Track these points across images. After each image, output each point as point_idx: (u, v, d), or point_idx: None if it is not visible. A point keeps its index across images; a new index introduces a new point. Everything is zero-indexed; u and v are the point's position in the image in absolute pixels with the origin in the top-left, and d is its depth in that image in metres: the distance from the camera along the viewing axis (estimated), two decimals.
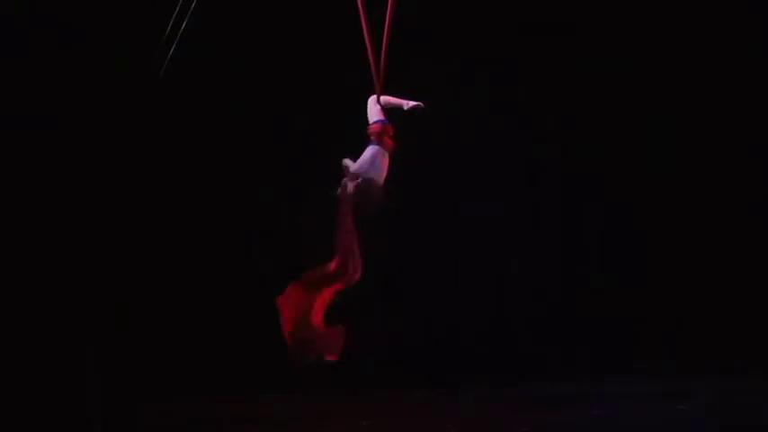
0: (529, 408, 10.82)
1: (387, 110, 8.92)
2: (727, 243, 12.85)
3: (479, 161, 12.96)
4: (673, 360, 12.43)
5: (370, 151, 8.89)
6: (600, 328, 12.65)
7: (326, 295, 8.19)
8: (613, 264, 13.01)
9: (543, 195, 13.10)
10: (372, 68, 8.78)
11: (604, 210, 13.06)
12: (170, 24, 9.89)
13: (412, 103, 8.92)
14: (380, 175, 8.71)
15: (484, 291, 12.94)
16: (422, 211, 12.58)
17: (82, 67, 11.79)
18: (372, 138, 8.79)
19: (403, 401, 11.09)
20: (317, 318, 8.18)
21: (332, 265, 8.21)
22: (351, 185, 8.52)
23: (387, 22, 8.66)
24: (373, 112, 8.94)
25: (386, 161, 8.73)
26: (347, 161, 8.76)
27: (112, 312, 11.82)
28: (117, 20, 11.74)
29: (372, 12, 8.72)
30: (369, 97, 8.90)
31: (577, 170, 13.09)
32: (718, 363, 12.18)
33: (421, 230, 12.72)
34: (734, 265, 12.80)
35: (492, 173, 12.97)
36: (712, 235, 12.86)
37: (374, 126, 8.83)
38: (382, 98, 8.90)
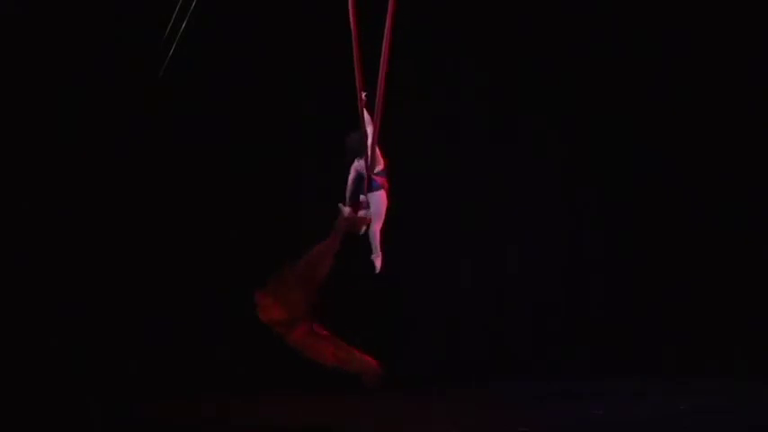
0: (528, 407, 10.82)
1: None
2: (727, 244, 12.85)
3: (479, 160, 12.99)
4: (673, 360, 12.46)
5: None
6: (600, 328, 12.66)
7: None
8: (614, 263, 13.01)
9: (544, 194, 13.10)
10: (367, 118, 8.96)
11: (606, 209, 13.06)
12: (170, 24, 9.92)
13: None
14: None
15: (485, 290, 12.95)
16: (422, 211, 12.59)
17: (82, 67, 11.81)
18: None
19: (403, 402, 11.07)
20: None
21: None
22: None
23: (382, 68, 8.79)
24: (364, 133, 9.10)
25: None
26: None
27: (112, 312, 11.84)
28: (117, 20, 11.76)
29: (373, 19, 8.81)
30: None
31: (578, 170, 13.10)
32: (718, 364, 12.21)
33: (421, 230, 12.72)
34: (734, 266, 12.80)
35: (492, 173, 12.98)
36: (714, 234, 12.86)
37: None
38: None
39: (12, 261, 11.56)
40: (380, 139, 9.11)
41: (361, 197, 9.08)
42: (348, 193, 9.20)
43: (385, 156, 9.23)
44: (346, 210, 9.02)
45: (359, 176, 9.18)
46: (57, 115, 11.77)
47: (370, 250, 9.24)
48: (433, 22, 12.48)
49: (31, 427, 9.81)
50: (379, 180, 9.06)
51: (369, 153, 8.97)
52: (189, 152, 12.24)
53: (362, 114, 9.00)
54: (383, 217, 9.06)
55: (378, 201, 9.03)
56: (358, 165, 9.15)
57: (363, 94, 8.96)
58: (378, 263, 9.12)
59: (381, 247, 9.07)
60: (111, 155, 11.95)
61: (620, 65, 12.81)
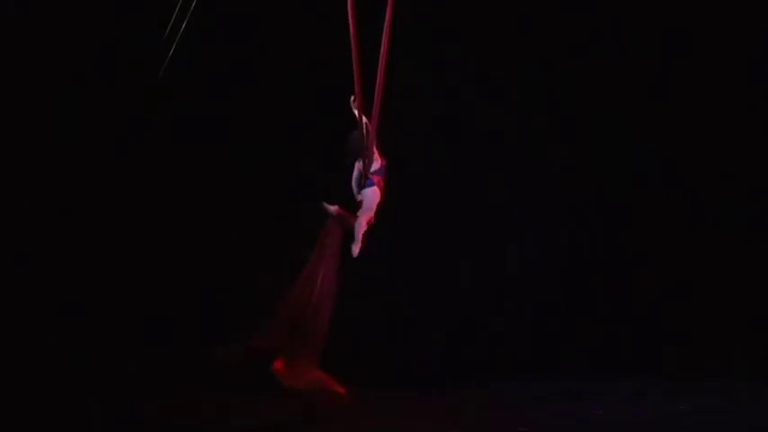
0: (528, 407, 10.82)
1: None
2: (727, 243, 12.84)
3: (480, 160, 12.99)
4: (673, 360, 12.46)
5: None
6: (600, 328, 12.66)
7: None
8: (614, 263, 13.01)
9: (544, 194, 13.10)
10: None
11: (606, 209, 13.06)
12: (170, 24, 9.92)
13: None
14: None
15: (485, 290, 12.94)
16: (422, 211, 12.59)
17: (82, 67, 11.80)
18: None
19: (403, 402, 11.07)
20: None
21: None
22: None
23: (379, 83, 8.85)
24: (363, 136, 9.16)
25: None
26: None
27: (112, 312, 11.83)
28: (117, 20, 11.76)
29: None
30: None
31: (578, 170, 13.10)
32: (718, 364, 12.21)
33: (422, 230, 12.72)
34: (734, 266, 12.80)
35: (492, 173, 12.98)
36: (714, 234, 12.85)
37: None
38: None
39: (12, 261, 11.55)
40: (379, 138, 9.17)
41: (358, 197, 9.22)
42: (354, 191, 9.35)
43: (383, 155, 9.29)
44: (332, 208, 9.17)
45: (360, 175, 9.29)
46: (57, 115, 11.76)
47: (371, 253, 9.33)
48: (433, 22, 12.48)
49: (32, 427, 9.80)
50: (375, 179, 9.19)
51: (366, 152, 9.07)
52: (189, 152, 12.22)
53: (360, 115, 9.07)
54: (373, 210, 9.25)
55: (370, 196, 9.22)
56: (359, 163, 9.27)
57: (354, 96, 9.05)
58: (355, 250, 9.33)
59: (363, 237, 9.27)
60: (111, 155, 11.94)
61: (620, 65, 12.82)
